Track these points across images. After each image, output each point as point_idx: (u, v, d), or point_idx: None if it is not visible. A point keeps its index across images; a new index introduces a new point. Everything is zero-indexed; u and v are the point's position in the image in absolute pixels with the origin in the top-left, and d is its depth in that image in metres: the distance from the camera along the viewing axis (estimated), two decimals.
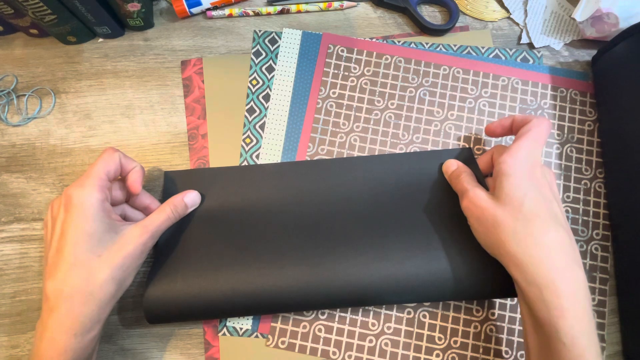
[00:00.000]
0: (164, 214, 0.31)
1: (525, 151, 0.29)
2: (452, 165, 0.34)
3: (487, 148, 0.37)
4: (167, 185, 0.35)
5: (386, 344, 0.33)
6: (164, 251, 0.33)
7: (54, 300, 0.26)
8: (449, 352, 0.33)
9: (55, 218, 0.28)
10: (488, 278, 0.31)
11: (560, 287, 0.25)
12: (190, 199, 0.33)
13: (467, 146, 0.37)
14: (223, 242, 0.34)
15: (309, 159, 0.36)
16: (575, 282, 0.26)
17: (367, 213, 0.34)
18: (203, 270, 0.32)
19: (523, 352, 0.33)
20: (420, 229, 0.33)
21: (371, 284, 0.33)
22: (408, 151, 0.37)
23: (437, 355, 0.33)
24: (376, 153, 0.37)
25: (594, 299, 0.34)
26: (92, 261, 0.27)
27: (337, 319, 0.34)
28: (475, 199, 0.30)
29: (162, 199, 0.35)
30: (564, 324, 0.24)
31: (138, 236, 0.29)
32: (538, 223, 0.27)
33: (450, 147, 0.37)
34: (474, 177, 0.32)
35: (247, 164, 0.36)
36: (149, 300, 0.31)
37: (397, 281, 0.32)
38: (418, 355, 0.33)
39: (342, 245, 0.34)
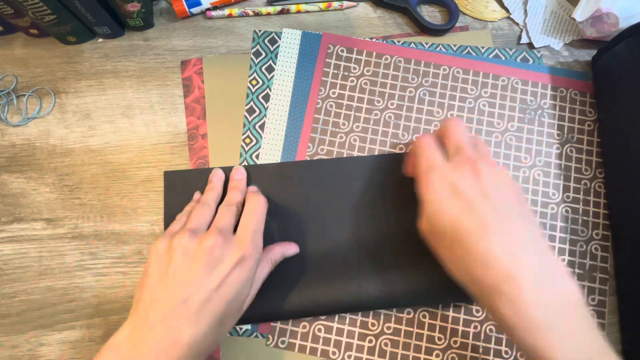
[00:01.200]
0: (265, 270, 0.31)
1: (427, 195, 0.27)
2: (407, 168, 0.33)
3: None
4: (168, 185, 0.35)
5: (386, 344, 0.33)
6: None
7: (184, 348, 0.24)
8: (449, 352, 0.33)
9: (215, 259, 0.27)
10: None
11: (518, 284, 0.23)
12: (290, 250, 0.33)
13: None
14: None
15: (308, 159, 0.36)
16: (534, 271, 0.24)
17: (366, 215, 0.34)
18: None
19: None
20: (410, 233, 0.33)
21: (370, 291, 0.33)
22: (408, 152, 0.37)
23: (437, 355, 0.33)
24: (376, 153, 0.37)
25: (593, 299, 0.34)
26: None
27: (336, 318, 0.34)
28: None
29: (164, 200, 0.35)
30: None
31: (253, 294, 0.30)
32: (469, 240, 0.25)
33: None
34: None
35: (247, 164, 0.36)
36: None
37: (396, 289, 0.33)
38: (418, 355, 0.33)
39: (341, 249, 0.34)
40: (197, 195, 0.34)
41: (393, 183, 0.35)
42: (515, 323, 0.23)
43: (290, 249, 0.33)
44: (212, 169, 0.36)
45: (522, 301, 0.23)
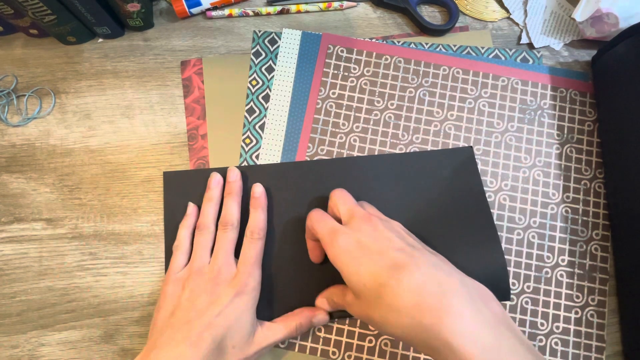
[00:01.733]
0: (287, 330, 0.31)
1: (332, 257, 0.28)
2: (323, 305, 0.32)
3: (486, 149, 0.37)
4: (167, 185, 0.35)
5: (386, 344, 0.33)
6: (167, 257, 0.34)
7: None
8: None
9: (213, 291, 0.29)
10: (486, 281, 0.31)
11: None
12: (319, 319, 0.32)
13: (468, 145, 0.37)
14: None
15: (308, 159, 0.36)
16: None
17: None
18: None
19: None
20: (419, 230, 0.34)
21: None
22: (407, 151, 0.37)
23: None
24: (376, 153, 0.37)
25: (593, 299, 0.34)
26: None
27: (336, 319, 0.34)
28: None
29: (164, 200, 0.35)
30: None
31: (266, 343, 0.30)
32: (390, 284, 0.24)
33: (450, 147, 0.37)
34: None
35: (247, 164, 0.36)
36: None
37: None
38: (418, 355, 0.33)
39: None
40: (190, 208, 0.34)
41: (393, 183, 0.35)
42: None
43: (320, 318, 0.32)
44: (211, 169, 0.36)
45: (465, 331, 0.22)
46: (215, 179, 0.34)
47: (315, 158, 0.36)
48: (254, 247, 0.31)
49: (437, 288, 0.24)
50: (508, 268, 0.34)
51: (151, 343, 0.28)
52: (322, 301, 0.32)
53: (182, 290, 0.30)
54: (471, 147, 0.36)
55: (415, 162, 0.36)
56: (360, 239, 0.27)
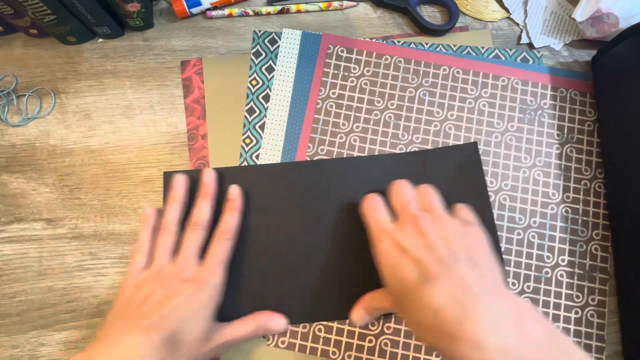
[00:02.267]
0: (245, 331, 0.31)
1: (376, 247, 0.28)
2: (361, 319, 0.32)
3: (486, 149, 0.37)
4: (167, 185, 0.35)
5: (386, 344, 0.33)
6: None
7: None
8: None
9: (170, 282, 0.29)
10: None
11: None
12: (277, 324, 0.32)
13: (473, 142, 0.36)
14: None
15: (308, 159, 0.36)
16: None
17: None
18: None
19: None
20: None
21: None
22: (407, 151, 0.37)
23: (437, 355, 0.33)
24: (376, 153, 0.37)
25: (593, 299, 0.34)
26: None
27: None
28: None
29: (164, 200, 0.35)
30: None
31: (222, 340, 0.30)
32: (418, 297, 0.24)
33: (453, 144, 0.37)
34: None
35: (247, 165, 0.36)
36: None
37: None
38: (418, 355, 0.33)
39: (341, 250, 0.34)
40: (148, 211, 0.33)
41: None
42: None
43: (277, 322, 0.32)
44: (212, 169, 0.36)
45: (483, 347, 0.21)
46: (180, 179, 0.34)
47: (316, 158, 0.36)
48: (220, 246, 0.31)
49: (457, 312, 0.23)
50: (508, 268, 0.34)
51: (99, 335, 0.27)
52: (359, 314, 0.31)
53: (139, 290, 0.29)
54: (475, 143, 0.36)
55: (417, 161, 0.36)
56: (402, 243, 0.27)
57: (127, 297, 0.29)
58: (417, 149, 0.37)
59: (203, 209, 0.32)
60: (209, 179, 0.34)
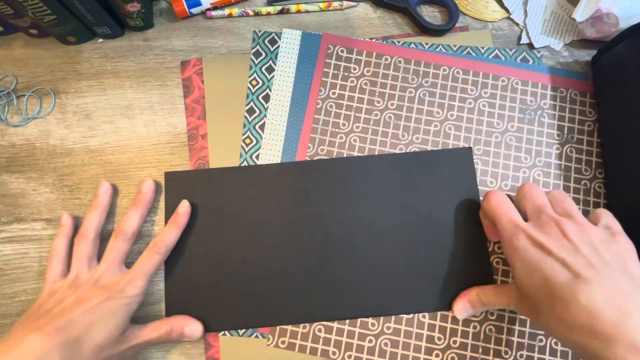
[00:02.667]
0: (158, 333, 0.31)
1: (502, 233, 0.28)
2: (465, 313, 0.32)
3: (486, 149, 0.37)
4: (168, 185, 0.35)
5: (386, 344, 0.33)
6: (174, 260, 0.34)
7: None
8: (449, 352, 0.33)
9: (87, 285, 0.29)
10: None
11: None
12: (191, 330, 0.31)
13: (467, 146, 0.37)
14: (227, 247, 0.34)
15: (308, 159, 0.36)
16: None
17: (366, 215, 0.35)
18: (210, 280, 0.33)
19: (523, 352, 0.33)
20: (418, 234, 0.34)
21: (368, 295, 0.33)
22: (407, 151, 0.37)
23: (437, 356, 0.33)
24: (376, 153, 0.37)
25: None
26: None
27: None
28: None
29: (165, 200, 0.35)
30: None
31: (134, 342, 0.30)
32: (568, 297, 0.24)
33: (450, 148, 0.37)
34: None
35: (247, 165, 0.36)
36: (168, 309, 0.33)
37: (393, 292, 0.33)
38: (417, 355, 0.33)
39: (340, 250, 0.34)
40: (64, 218, 0.33)
41: (392, 184, 0.35)
42: None
43: (192, 328, 0.31)
44: (213, 169, 0.36)
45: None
46: (104, 187, 0.34)
47: (316, 158, 0.36)
48: (149, 259, 0.31)
49: (615, 314, 0.22)
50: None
51: (2, 338, 0.27)
52: (462, 307, 0.31)
53: (52, 297, 0.29)
54: (469, 148, 0.36)
55: (413, 162, 0.36)
56: (544, 243, 0.26)
57: (39, 303, 0.29)
58: (417, 149, 0.37)
59: (131, 219, 0.32)
60: (146, 189, 0.34)
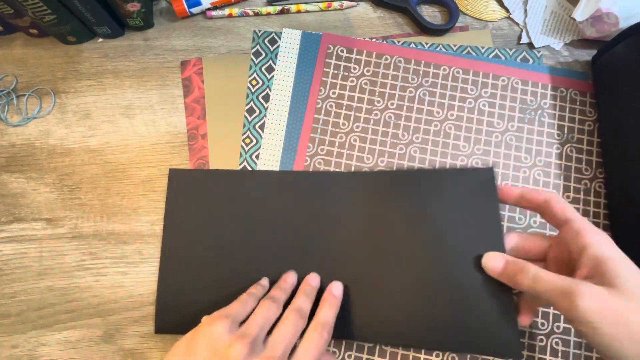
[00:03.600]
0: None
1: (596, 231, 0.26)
2: (497, 263, 0.28)
3: (486, 148, 0.37)
4: (172, 183, 0.35)
5: (386, 344, 0.33)
6: (170, 259, 0.34)
7: None
8: (449, 351, 0.33)
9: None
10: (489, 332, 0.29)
11: None
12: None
13: (489, 166, 0.33)
14: (226, 248, 0.34)
15: (308, 159, 0.36)
16: None
17: (362, 237, 0.32)
18: (207, 283, 0.33)
19: (523, 352, 0.33)
20: (419, 264, 0.31)
21: (361, 324, 0.31)
22: (407, 151, 0.37)
23: (437, 355, 0.33)
24: (376, 153, 0.36)
25: None
26: None
27: None
28: (597, 297, 0.23)
29: (167, 197, 0.35)
30: None
31: None
32: None
33: (450, 148, 0.37)
34: (539, 269, 0.26)
35: (250, 169, 0.36)
36: (159, 315, 0.33)
37: (392, 321, 0.30)
38: (418, 355, 0.33)
39: (338, 260, 0.33)
40: (264, 281, 0.32)
41: (395, 204, 0.32)
42: None
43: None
44: (216, 170, 0.36)
45: None
46: (290, 278, 0.32)
47: (316, 158, 0.36)
48: (316, 343, 0.26)
49: None
50: None
51: None
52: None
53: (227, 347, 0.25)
54: (492, 168, 0.31)
55: (428, 181, 0.32)
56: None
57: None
58: (417, 149, 0.37)
59: (304, 301, 0.29)
60: (314, 283, 0.31)
